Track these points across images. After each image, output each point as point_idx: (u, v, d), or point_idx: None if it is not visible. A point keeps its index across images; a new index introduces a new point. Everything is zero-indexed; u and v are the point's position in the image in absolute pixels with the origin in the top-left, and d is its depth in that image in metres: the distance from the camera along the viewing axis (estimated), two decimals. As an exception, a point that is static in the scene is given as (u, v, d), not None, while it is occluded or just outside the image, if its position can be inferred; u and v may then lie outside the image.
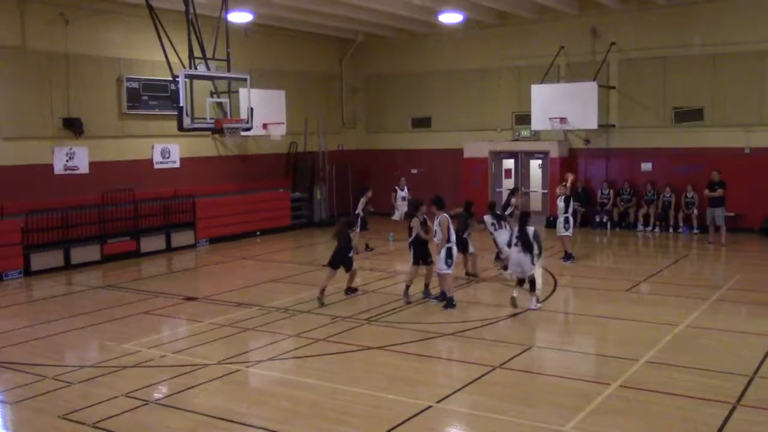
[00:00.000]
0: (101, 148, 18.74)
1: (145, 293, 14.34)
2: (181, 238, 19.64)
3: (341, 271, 13.28)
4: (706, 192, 18.93)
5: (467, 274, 14.81)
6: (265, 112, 20.51)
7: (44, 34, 17.53)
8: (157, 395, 8.73)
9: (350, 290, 13.68)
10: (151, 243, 18.88)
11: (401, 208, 19.37)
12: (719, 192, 18.60)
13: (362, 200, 18.29)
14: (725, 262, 17.16)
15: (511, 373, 9.33)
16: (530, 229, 12.40)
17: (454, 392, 8.55)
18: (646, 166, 21.81)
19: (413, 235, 13.13)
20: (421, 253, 12.99)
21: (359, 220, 17.78)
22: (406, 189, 20.18)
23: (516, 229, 12.63)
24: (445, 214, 12.43)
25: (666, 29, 21.09)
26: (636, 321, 11.74)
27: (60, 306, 13.58)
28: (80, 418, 7.95)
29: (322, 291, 12.92)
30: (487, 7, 21.73)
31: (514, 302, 12.29)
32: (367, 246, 18.31)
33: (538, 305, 12.32)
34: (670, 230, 20.82)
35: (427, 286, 13.35)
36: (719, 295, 13.21)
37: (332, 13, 21.27)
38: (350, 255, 13.30)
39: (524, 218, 12.74)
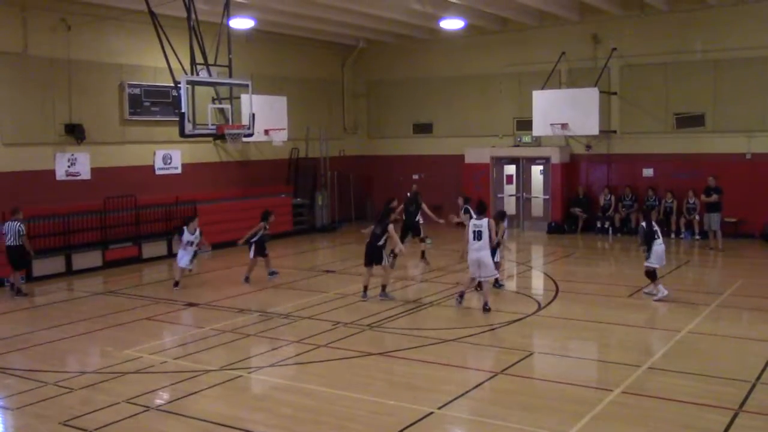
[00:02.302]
0: (103, 154, 18.76)
1: (146, 299, 14.34)
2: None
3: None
4: (703, 197, 19.20)
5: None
6: (267, 117, 20.53)
7: (46, 40, 17.57)
8: (158, 401, 8.73)
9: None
10: (153, 249, 18.88)
11: None
12: (714, 197, 18.74)
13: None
14: (727, 268, 17.14)
15: (513, 379, 9.32)
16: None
17: (456, 398, 8.54)
18: (648, 172, 21.82)
19: (382, 239, 13.69)
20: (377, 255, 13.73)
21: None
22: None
23: (645, 224, 13.60)
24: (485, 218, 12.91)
25: (667, 35, 21.12)
26: (638, 327, 11.74)
27: (61, 312, 13.57)
28: (81, 425, 7.94)
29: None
30: (488, 14, 21.77)
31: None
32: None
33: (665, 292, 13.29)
34: (672, 236, 20.80)
35: (384, 287, 13.84)
36: (721, 301, 13.19)
37: (334, 20, 21.32)
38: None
39: (648, 216, 14.14)
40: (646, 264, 13.56)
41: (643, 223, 13.71)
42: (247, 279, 15.71)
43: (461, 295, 13.27)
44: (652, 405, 8.24)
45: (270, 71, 22.96)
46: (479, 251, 12.55)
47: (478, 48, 24.22)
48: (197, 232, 15.28)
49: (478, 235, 12.54)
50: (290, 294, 14.71)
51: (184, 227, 15.30)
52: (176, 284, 15.23)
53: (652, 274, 13.48)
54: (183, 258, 15.24)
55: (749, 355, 10.03)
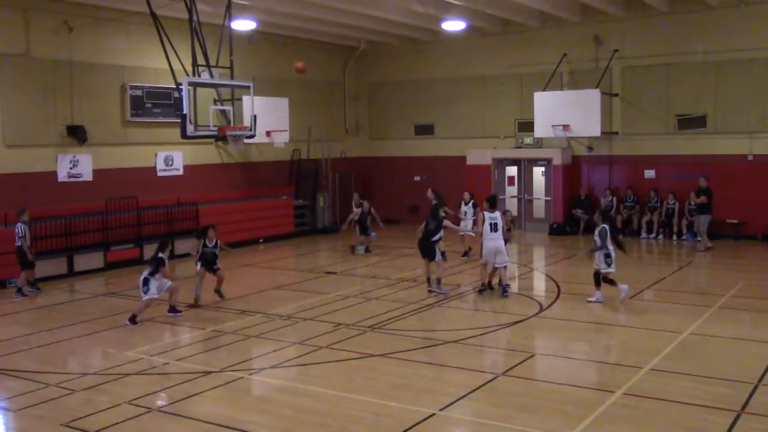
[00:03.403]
0: (105, 155, 18.78)
1: (148, 300, 14.33)
2: (184, 245, 19.58)
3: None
4: (694, 198, 19.36)
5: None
6: (269, 119, 20.53)
7: (48, 42, 17.59)
8: (160, 403, 8.72)
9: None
10: (154, 250, 18.82)
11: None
12: (702, 199, 18.86)
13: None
14: (728, 270, 17.10)
15: (515, 380, 9.32)
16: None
17: (458, 400, 8.53)
18: (649, 173, 21.81)
19: (438, 235, 14.26)
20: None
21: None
22: (363, 206, 19.59)
23: (609, 226, 13.19)
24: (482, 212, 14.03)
25: (669, 36, 21.11)
26: (640, 328, 11.72)
27: (63, 313, 13.57)
28: (83, 426, 7.94)
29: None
30: (489, 15, 21.77)
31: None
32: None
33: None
34: (674, 237, 20.79)
35: (438, 280, 14.32)
36: (723, 303, 13.16)
37: (335, 21, 21.34)
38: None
39: (610, 217, 13.80)
40: (607, 270, 13.02)
41: (606, 225, 13.08)
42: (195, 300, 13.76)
43: (489, 285, 14.10)
44: (653, 407, 8.22)
45: (271, 73, 22.97)
46: (497, 240, 13.68)
47: (479, 49, 24.22)
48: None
49: (494, 227, 13.70)
50: (292, 295, 14.71)
51: (162, 255, 12.80)
52: (133, 319, 12.34)
53: (609, 279, 13.15)
54: (152, 288, 12.56)
55: (751, 356, 10.02)
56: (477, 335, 11.36)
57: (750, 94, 20.11)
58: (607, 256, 12.98)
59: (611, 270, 13.10)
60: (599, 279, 13.19)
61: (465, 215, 17.90)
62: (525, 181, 23.64)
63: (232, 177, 22.41)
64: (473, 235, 16.64)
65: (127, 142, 19.38)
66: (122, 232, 18.29)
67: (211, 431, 7.80)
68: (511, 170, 23.92)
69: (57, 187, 17.80)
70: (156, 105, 19.68)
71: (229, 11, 16.69)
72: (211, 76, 16.41)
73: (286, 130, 21.83)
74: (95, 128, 18.43)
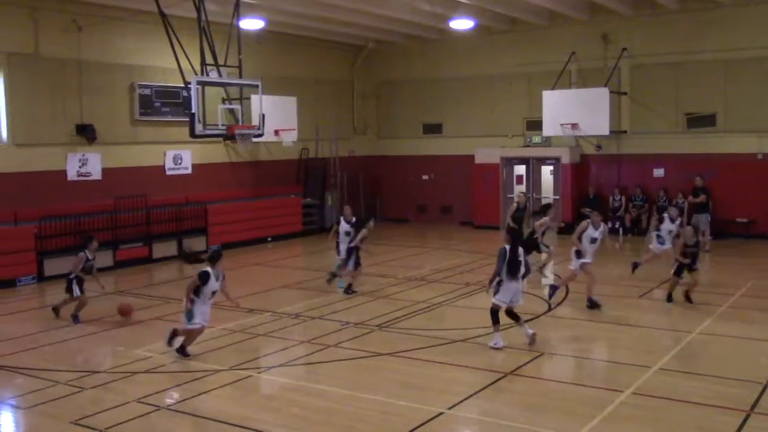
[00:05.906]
0: (114, 154, 18.84)
1: (156, 299, 14.39)
2: (193, 244, 19.64)
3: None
4: (690, 198, 19.32)
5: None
6: (277, 118, 20.58)
7: (57, 41, 17.66)
8: (168, 401, 8.75)
9: None
10: (163, 249, 18.93)
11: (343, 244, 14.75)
12: (702, 198, 18.80)
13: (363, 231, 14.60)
14: (738, 269, 17.01)
15: (523, 379, 9.30)
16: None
17: (466, 399, 8.52)
18: (659, 172, 21.73)
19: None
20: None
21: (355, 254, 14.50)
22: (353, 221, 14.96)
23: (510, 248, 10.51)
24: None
25: (678, 35, 21.03)
26: (649, 328, 11.69)
27: (72, 311, 13.60)
28: (92, 424, 7.97)
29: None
30: (497, 14, 21.74)
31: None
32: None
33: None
34: (683, 236, 20.69)
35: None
36: (732, 302, 13.12)
37: (343, 20, 21.35)
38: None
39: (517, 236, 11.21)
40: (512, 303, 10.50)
41: (507, 246, 10.33)
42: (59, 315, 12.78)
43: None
44: (662, 406, 8.20)
45: (280, 72, 22.98)
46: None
47: (487, 48, 24.18)
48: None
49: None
50: (300, 294, 14.73)
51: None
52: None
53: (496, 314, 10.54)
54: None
55: (760, 356, 9.98)
56: (485, 334, 11.31)
57: (760, 93, 20.00)
58: (499, 283, 10.41)
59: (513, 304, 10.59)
60: (497, 315, 10.55)
61: None
62: (533, 180, 23.59)
63: (240, 176, 22.45)
64: None
65: (136, 140, 19.45)
66: (131, 230, 18.34)
67: (219, 429, 7.82)
68: (520, 169, 23.87)
69: (66, 185, 17.88)
70: (165, 104, 19.74)
71: (238, 10, 16.74)
72: (220, 75, 16.46)
73: (294, 129, 21.85)
74: (104, 127, 18.50)
